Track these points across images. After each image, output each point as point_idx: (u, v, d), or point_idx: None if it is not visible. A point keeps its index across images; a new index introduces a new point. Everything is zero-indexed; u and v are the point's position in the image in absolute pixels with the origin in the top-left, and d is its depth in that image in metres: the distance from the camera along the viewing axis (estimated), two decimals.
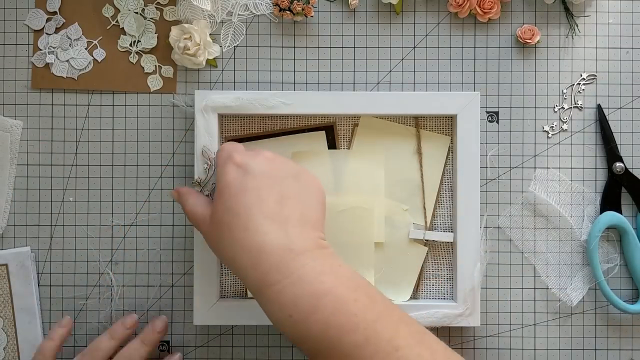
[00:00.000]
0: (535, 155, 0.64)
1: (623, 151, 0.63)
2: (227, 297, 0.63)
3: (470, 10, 0.63)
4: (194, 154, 0.63)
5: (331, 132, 0.63)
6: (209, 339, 0.64)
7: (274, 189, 0.51)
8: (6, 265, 0.63)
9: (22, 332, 0.63)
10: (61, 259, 0.64)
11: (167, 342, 0.64)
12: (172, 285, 0.64)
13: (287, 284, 0.48)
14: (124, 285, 0.64)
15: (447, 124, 0.63)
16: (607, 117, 0.63)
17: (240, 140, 0.63)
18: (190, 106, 0.63)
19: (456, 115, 0.61)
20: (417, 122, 0.63)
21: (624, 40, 0.64)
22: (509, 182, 0.64)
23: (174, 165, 0.64)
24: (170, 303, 0.64)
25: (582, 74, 0.64)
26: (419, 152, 0.63)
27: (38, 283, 0.64)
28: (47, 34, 0.63)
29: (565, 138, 0.64)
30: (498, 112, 0.64)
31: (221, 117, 0.62)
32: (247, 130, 0.63)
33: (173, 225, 0.64)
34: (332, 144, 0.63)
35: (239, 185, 0.51)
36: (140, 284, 0.64)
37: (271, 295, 0.48)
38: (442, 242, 0.63)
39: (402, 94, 0.62)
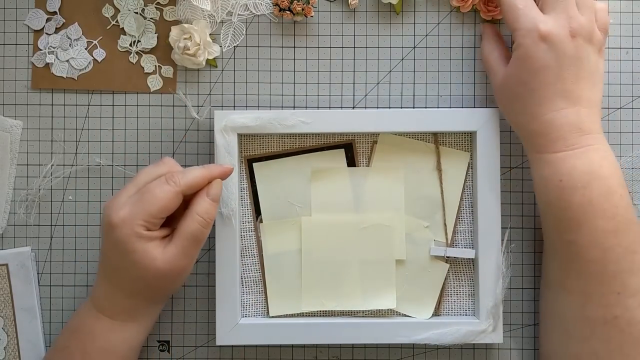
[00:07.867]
0: None
1: (623, 151, 0.63)
2: (248, 316, 0.63)
3: (474, 5, 0.63)
4: (194, 154, 0.63)
5: (350, 149, 0.63)
6: (208, 339, 0.64)
7: (572, 68, 0.55)
8: (6, 265, 0.63)
9: (22, 332, 0.63)
10: (61, 259, 0.64)
11: (167, 342, 0.64)
12: None
13: (570, 154, 0.54)
14: None
15: (466, 140, 0.62)
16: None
17: (259, 159, 0.63)
18: (194, 106, 0.63)
19: (476, 131, 0.60)
20: (436, 139, 0.63)
21: (624, 40, 0.64)
22: (509, 182, 0.64)
23: None
24: (170, 302, 0.64)
25: None
26: (439, 169, 0.63)
27: (38, 283, 0.64)
28: (47, 34, 0.63)
29: None
30: None
31: (240, 136, 0.62)
32: (266, 149, 0.63)
33: None
34: (351, 162, 0.63)
35: (542, 62, 0.54)
36: None
37: (550, 159, 0.55)
38: (464, 259, 0.62)
39: (421, 111, 0.61)
